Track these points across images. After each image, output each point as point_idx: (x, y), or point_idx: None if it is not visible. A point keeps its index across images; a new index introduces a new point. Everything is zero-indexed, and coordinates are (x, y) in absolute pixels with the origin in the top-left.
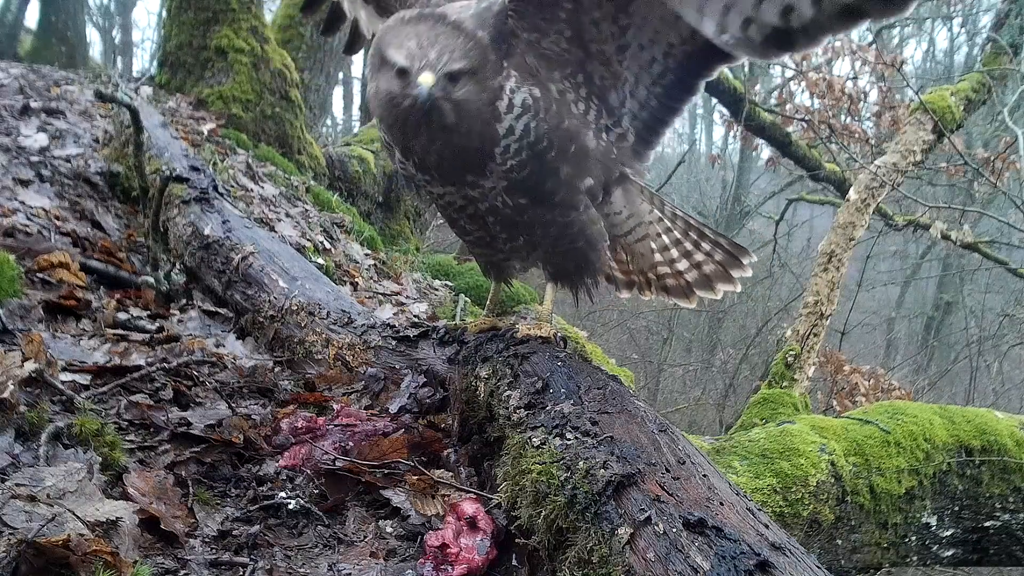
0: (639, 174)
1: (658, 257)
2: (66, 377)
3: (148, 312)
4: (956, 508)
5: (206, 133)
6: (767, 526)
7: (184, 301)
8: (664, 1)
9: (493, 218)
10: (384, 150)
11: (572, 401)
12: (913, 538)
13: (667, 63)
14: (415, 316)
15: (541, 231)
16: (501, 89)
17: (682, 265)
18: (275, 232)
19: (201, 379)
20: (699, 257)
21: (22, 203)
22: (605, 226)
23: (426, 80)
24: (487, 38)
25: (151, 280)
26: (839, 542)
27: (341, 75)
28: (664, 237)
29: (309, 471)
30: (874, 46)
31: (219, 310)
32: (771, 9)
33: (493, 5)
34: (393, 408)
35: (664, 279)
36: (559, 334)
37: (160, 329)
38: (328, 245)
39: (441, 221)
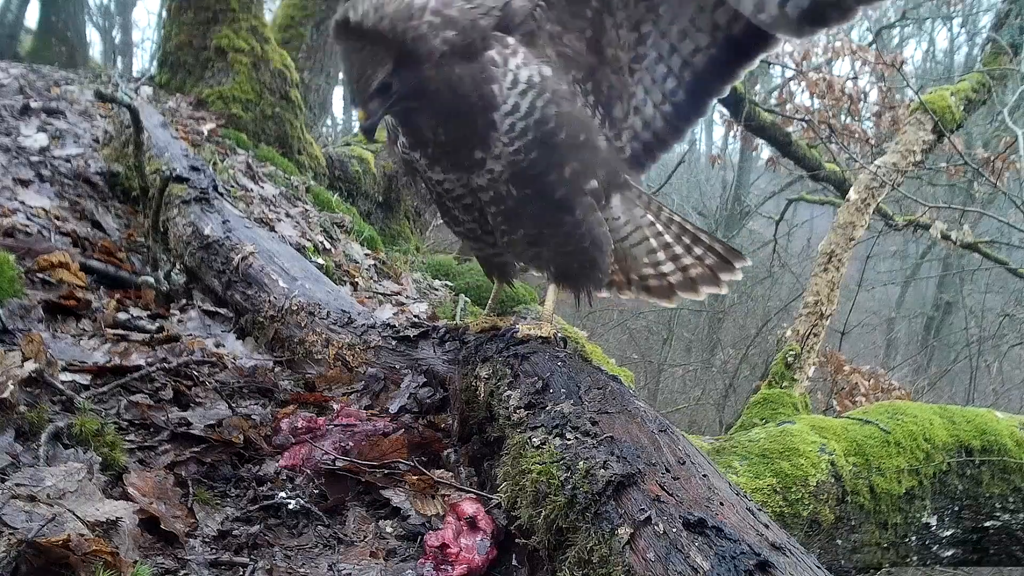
0: (636, 181)
1: (646, 260)
2: (66, 377)
3: (148, 312)
4: (956, 508)
5: (206, 133)
6: (767, 526)
7: (184, 301)
8: None
9: (495, 208)
10: (386, 139)
11: (572, 401)
12: (913, 538)
13: (682, 76)
14: (415, 316)
15: (549, 230)
16: (501, 62)
17: (667, 268)
18: (275, 232)
19: (201, 379)
20: (687, 261)
21: (22, 203)
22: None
23: None
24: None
25: (151, 280)
26: (839, 542)
27: (341, 75)
28: (653, 241)
29: (309, 471)
30: (874, 46)
31: (219, 310)
32: None
33: None
34: (393, 408)
35: (647, 280)
36: (559, 334)
37: (160, 329)
38: (328, 245)
39: (441, 221)
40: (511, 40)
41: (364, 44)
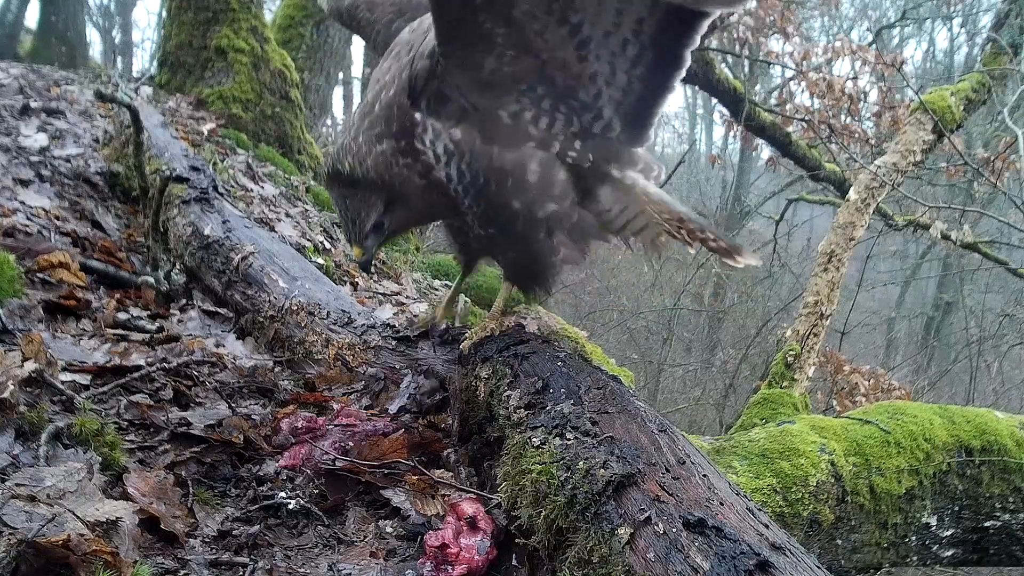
0: (632, 163)
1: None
2: (66, 377)
3: (148, 312)
4: (956, 508)
5: (206, 133)
6: (767, 526)
7: (184, 301)
8: None
9: (476, 239)
10: None
11: (572, 401)
12: (913, 538)
13: (640, 41)
14: (415, 316)
15: (501, 255)
16: (422, 146)
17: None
18: (275, 232)
19: (201, 379)
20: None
21: (22, 203)
22: (600, 224)
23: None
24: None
25: (151, 280)
26: (839, 542)
27: (341, 75)
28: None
29: (309, 471)
30: (874, 46)
31: (219, 310)
32: None
33: (425, 49)
34: (393, 408)
35: (700, 237)
36: (520, 323)
37: (160, 329)
38: (328, 245)
39: (440, 222)
40: (417, 117)
41: (356, 191)
